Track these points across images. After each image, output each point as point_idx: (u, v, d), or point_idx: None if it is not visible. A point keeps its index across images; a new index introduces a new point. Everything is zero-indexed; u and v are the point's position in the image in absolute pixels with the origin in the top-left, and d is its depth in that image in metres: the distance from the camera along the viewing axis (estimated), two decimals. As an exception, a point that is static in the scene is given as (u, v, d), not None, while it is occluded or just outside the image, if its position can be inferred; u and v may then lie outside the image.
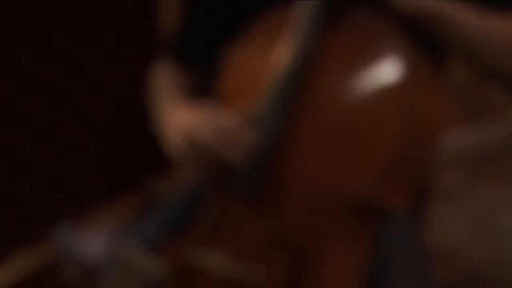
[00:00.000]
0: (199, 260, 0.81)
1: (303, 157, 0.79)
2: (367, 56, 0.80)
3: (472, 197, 2.14)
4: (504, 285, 1.72)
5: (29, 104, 1.59)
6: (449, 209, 2.07)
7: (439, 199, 2.12)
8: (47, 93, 1.63)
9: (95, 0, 1.68)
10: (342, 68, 0.82)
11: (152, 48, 1.70)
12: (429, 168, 0.85)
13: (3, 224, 1.64)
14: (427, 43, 0.82)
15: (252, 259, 0.80)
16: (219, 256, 0.80)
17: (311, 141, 0.80)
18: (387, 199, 0.78)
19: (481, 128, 2.64)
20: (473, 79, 3.18)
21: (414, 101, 0.76)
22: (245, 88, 0.85)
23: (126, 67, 1.83)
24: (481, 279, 1.75)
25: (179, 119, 0.87)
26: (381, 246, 0.87)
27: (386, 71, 0.79)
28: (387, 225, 0.87)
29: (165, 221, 1.02)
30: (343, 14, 0.83)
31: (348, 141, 0.78)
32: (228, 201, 0.81)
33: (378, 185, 0.75)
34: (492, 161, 2.36)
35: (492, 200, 2.11)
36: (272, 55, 0.84)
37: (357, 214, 0.79)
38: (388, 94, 0.77)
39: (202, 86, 1.07)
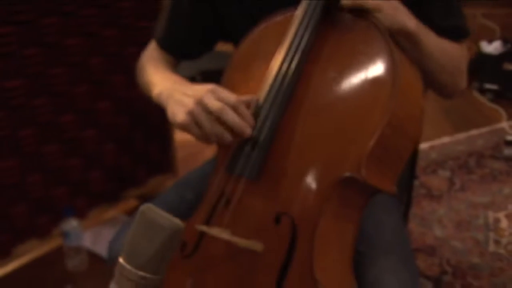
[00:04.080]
0: (208, 231, 0.83)
1: (299, 140, 0.81)
2: (356, 53, 0.83)
3: (454, 198, 2.15)
4: (484, 272, 1.73)
5: (45, 106, 1.60)
6: (435, 208, 2.08)
7: (426, 200, 2.14)
8: (63, 97, 1.64)
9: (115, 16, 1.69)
10: (335, 63, 0.83)
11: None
12: (409, 154, 0.86)
13: (16, 217, 1.66)
14: None
15: (253, 232, 0.82)
16: (224, 229, 0.82)
17: (307, 127, 0.81)
18: (377, 182, 0.80)
19: (465, 140, 2.65)
20: (463, 94, 3.19)
21: (400, 86, 0.78)
22: (252, 79, 0.87)
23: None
24: (464, 267, 1.75)
25: (190, 86, 0.86)
26: (367, 220, 0.89)
27: (374, 67, 0.81)
28: (374, 202, 0.88)
29: (173, 204, 1.04)
30: (336, 16, 0.86)
31: (341, 126, 0.80)
32: (232, 180, 0.84)
33: (365, 166, 0.77)
34: (470, 169, 2.37)
35: (471, 201, 2.12)
36: (274, 54, 0.87)
37: (347, 193, 0.81)
38: (375, 83, 0.79)
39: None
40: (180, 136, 2.21)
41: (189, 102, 0.79)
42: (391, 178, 0.84)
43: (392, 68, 0.79)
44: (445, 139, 2.64)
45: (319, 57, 0.84)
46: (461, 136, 2.68)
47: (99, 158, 1.82)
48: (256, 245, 0.80)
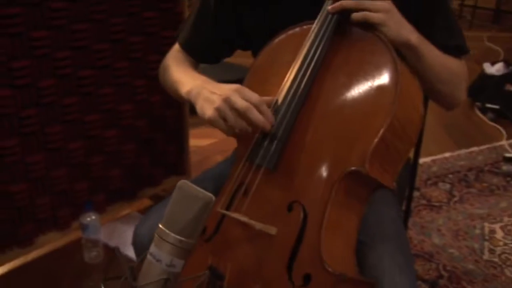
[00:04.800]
0: (228, 214, 0.93)
1: (312, 137, 0.92)
2: (364, 62, 0.94)
3: (453, 209, 2.24)
4: (478, 278, 1.81)
5: (73, 106, 1.70)
6: (434, 218, 2.17)
7: (426, 210, 2.23)
8: (90, 98, 1.74)
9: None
10: (345, 71, 0.94)
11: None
12: (408, 154, 0.96)
13: (40, 208, 1.75)
14: None
15: (268, 217, 0.91)
16: (242, 214, 0.92)
17: (319, 125, 0.92)
18: (379, 176, 0.91)
19: (465, 156, 2.75)
20: (461, 108, 3.29)
21: (402, 92, 0.89)
22: (271, 83, 0.98)
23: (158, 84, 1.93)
24: (460, 273, 1.84)
25: (217, 85, 0.95)
26: (369, 211, 0.99)
27: (379, 76, 0.92)
28: (376, 196, 0.98)
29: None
30: (346, 29, 0.96)
31: (348, 126, 0.90)
32: (252, 170, 0.94)
33: (369, 162, 0.87)
34: (469, 182, 2.46)
35: (469, 213, 2.21)
36: (291, 62, 0.98)
37: (353, 185, 0.91)
38: (381, 88, 0.90)
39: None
40: (194, 142, 2.32)
41: (217, 99, 0.90)
42: (391, 174, 0.94)
43: (395, 77, 0.89)
44: (447, 154, 2.74)
45: (331, 65, 0.95)
46: (462, 152, 2.78)
47: (119, 157, 1.92)
48: (271, 229, 0.90)
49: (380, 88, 0.90)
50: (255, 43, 1.11)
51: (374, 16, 0.93)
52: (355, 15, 0.93)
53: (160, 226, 0.67)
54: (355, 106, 0.91)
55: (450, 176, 2.51)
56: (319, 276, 0.86)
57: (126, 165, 1.95)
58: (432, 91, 1.06)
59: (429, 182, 2.45)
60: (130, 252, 1.59)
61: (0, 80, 1.51)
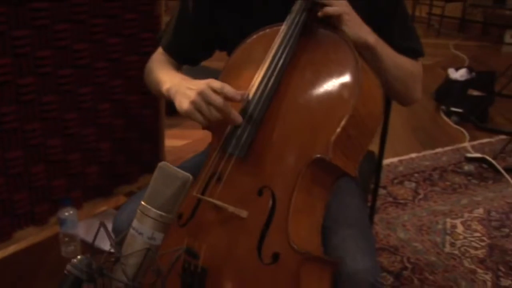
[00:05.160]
0: (204, 201, 1.01)
1: (280, 127, 1.00)
2: (328, 59, 1.02)
3: (417, 206, 2.35)
4: (439, 269, 1.92)
5: (52, 104, 1.74)
6: (399, 214, 2.27)
7: (392, 207, 2.33)
8: (69, 96, 1.79)
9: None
10: (311, 68, 1.02)
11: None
12: (368, 145, 1.05)
13: (18, 204, 1.78)
14: None
15: (239, 202, 0.99)
16: (216, 201, 1.00)
17: (287, 117, 1.00)
18: (342, 164, 0.99)
19: (430, 157, 2.87)
20: (427, 111, 3.44)
21: (362, 86, 0.97)
22: (243, 79, 1.06)
23: (137, 83, 1.99)
24: (422, 264, 1.94)
25: (193, 82, 1.02)
26: (334, 199, 1.07)
27: (342, 72, 1.00)
28: (340, 184, 1.07)
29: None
30: (313, 30, 1.05)
31: (314, 117, 0.98)
32: (224, 158, 1.02)
33: (332, 150, 0.95)
34: (433, 181, 2.58)
35: (432, 209, 2.32)
36: (262, 60, 1.05)
37: (317, 172, 0.99)
38: (343, 85, 0.98)
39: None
40: (169, 142, 2.38)
41: (192, 94, 0.98)
42: (353, 162, 1.02)
43: (355, 73, 0.98)
44: (413, 155, 2.86)
45: (298, 63, 1.03)
46: (427, 153, 2.90)
47: (97, 154, 1.97)
48: (242, 212, 0.97)
49: (342, 83, 0.99)
50: (230, 44, 1.18)
51: (344, 15, 1.01)
52: (328, 9, 1.01)
53: (142, 202, 0.74)
54: (320, 99, 1.00)
55: (416, 175, 2.63)
56: (287, 255, 0.94)
57: (103, 162, 2.00)
58: (388, 89, 1.14)
59: (395, 181, 2.56)
60: (106, 246, 1.65)
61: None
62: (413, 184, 2.53)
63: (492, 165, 2.70)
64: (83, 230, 1.99)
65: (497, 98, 3.61)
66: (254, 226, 0.97)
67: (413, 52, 1.21)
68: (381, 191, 2.44)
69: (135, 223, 0.74)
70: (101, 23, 1.80)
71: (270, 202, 0.98)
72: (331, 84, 1.00)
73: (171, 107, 2.61)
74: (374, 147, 1.66)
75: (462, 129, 3.22)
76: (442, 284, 1.83)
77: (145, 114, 2.10)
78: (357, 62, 0.99)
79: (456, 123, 3.30)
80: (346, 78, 0.99)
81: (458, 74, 3.55)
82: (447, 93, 3.49)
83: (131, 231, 0.74)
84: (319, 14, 1.02)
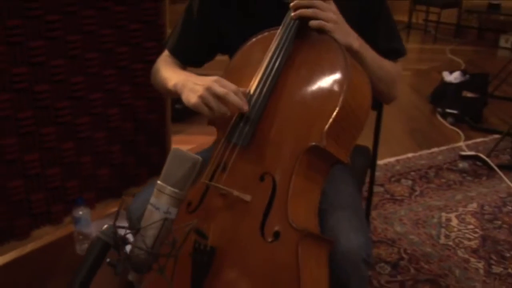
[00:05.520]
0: (212, 186, 1.11)
1: (279, 119, 1.10)
2: (321, 58, 1.13)
3: (414, 202, 2.45)
4: (434, 259, 2.02)
5: (65, 109, 1.86)
6: (396, 210, 2.37)
7: (389, 203, 2.43)
8: (81, 101, 1.90)
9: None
10: (305, 66, 1.13)
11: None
12: (359, 135, 1.16)
13: (35, 204, 1.89)
14: None
15: (243, 187, 1.09)
16: (222, 186, 1.10)
17: (285, 110, 1.11)
18: (335, 151, 1.09)
19: (426, 156, 2.97)
20: (423, 113, 3.55)
21: (351, 82, 1.08)
22: (244, 78, 1.17)
23: (143, 89, 2.11)
24: (418, 255, 2.04)
25: (199, 78, 1.13)
26: (330, 186, 1.18)
27: (333, 69, 1.11)
28: (334, 171, 1.17)
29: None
30: (306, 33, 1.16)
31: (309, 110, 1.09)
32: (229, 148, 1.12)
33: (326, 139, 1.06)
34: (429, 179, 2.68)
35: (428, 204, 2.43)
36: (263, 58, 1.16)
37: (313, 159, 1.10)
38: (334, 81, 1.09)
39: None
40: (175, 145, 2.49)
41: (200, 89, 1.09)
42: (345, 150, 1.13)
43: (345, 70, 1.09)
44: (410, 155, 2.96)
45: (294, 62, 1.14)
46: (424, 152, 3.01)
47: (108, 157, 2.08)
48: (246, 196, 1.08)
49: (333, 79, 1.10)
50: (232, 47, 1.30)
51: (327, 25, 1.13)
52: (312, 23, 1.13)
53: (159, 182, 0.85)
54: (314, 94, 1.11)
55: (412, 173, 2.73)
56: (287, 233, 1.04)
57: (114, 165, 2.12)
58: (372, 89, 1.25)
59: (392, 179, 2.66)
60: None
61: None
62: (410, 182, 2.63)
63: (486, 162, 2.80)
64: (96, 229, 2.09)
65: (491, 99, 3.72)
66: (257, 209, 1.07)
67: (397, 52, 1.32)
68: (379, 189, 2.54)
69: (152, 200, 0.85)
70: (109, 33, 1.91)
71: (271, 187, 1.08)
72: (324, 80, 1.11)
73: (175, 114, 2.73)
74: (369, 143, 1.77)
75: (457, 130, 3.33)
76: (437, 273, 1.93)
77: (152, 118, 2.21)
78: (346, 60, 1.10)
79: (451, 124, 3.41)
80: (336, 74, 1.10)
81: (453, 77, 3.66)
82: (442, 96, 3.60)
83: (149, 207, 0.85)
84: (313, 24, 1.13)
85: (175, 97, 1.23)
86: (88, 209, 1.99)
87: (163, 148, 2.31)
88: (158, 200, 0.84)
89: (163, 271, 0.86)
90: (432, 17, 6.28)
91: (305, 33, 1.17)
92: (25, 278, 1.89)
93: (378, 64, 1.23)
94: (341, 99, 1.07)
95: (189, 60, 1.40)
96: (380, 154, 2.82)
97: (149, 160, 2.24)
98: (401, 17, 6.57)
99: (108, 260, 0.79)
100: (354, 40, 1.16)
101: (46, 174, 1.90)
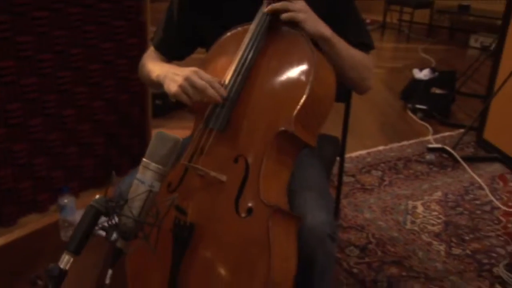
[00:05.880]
0: (191, 168, 1.22)
1: (252, 106, 1.22)
2: (290, 51, 1.25)
3: (383, 191, 2.59)
4: (400, 242, 2.15)
5: (51, 101, 1.96)
6: (366, 198, 2.51)
7: (360, 192, 2.56)
8: (67, 95, 2.00)
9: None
10: (276, 58, 1.25)
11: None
12: (324, 121, 1.27)
13: (23, 192, 1.99)
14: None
15: (219, 168, 1.20)
16: (200, 167, 1.21)
17: (257, 98, 1.22)
18: (302, 136, 1.21)
19: (396, 149, 3.12)
20: (395, 109, 3.70)
21: (317, 72, 1.20)
22: (220, 68, 1.28)
23: (128, 84, 2.20)
24: (385, 239, 2.17)
25: (180, 69, 1.24)
26: (299, 169, 1.29)
27: (301, 60, 1.23)
28: (303, 157, 1.29)
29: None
30: (277, 27, 1.28)
31: (279, 97, 1.21)
32: (206, 133, 1.23)
33: (294, 124, 1.17)
34: (398, 170, 2.83)
35: (396, 193, 2.56)
36: (237, 51, 1.28)
37: (283, 143, 1.21)
38: (301, 71, 1.21)
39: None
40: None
41: (179, 79, 1.19)
42: (312, 135, 1.25)
43: (311, 62, 1.21)
44: (380, 148, 3.10)
45: (265, 54, 1.26)
46: (394, 145, 3.15)
47: (92, 148, 2.18)
48: (222, 176, 1.19)
49: (301, 70, 1.22)
50: (208, 41, 1.41)
51: (299, 15, 1.24)
52: (284, 15, 1.24)
53: (144, 159, 0.95)
54: (283, 83, 1.22)
55: (382, 165, 2.87)
56: (259, 208, 1.15)
57: (97, 155, 2.21)
58: (344, 77, 1.37)
59: (363, 170, 2.79)
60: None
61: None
62: (380, 173, 2.77)
63: (452, 154, 2.95)
64: (78, 214, 2.18)
65: (459, 96, 3.89)
66: (232, 187, 1.18)
67: (366, 46, 1.44)
68: (350, 179, 2.68)
69: (138, 175, 0.95)
70: (93, 29, 2.01)
71: (244, 168, 1.19)
72: (292, 71, 1.23)
73: (156, 110, 2.82)
74: (340, 134, 1.90)
75: (426, 125, 3.48)
76: (402, 255, 2.06)
77: (134, 112, 2.31)
78: (313, 52, 1.22)
79: (421, 119, 3.56)
80: (304, 66, 1.22)
81: (422, 74, 3.82)
82: (413, 92, 3.75)
83: (135, 181, 0.95)
84: (285, 17, 1.25)
85: (159, 88, 1.34)
86: (73, 197, 2.08)
87: (144, 140, 2.40)
88: (144, 175, 0.95)
89: (148, 238, 0.97)
90: (406, 17, 6.46)
91: (276, 28, 1.29)
92: (12, 264, 1.97)
93: (349, 53, 1.33)
94: (308, 87, 1.19)
95: (172, 54, 1.50)
96: (352, 147, 2.99)
97: (130, 151, 2.34)
98: (376, 16, 6.74)
99: (99, 226, 0.90)
100: (325, 29, 1.27)
101: (33, 164, 1.98)
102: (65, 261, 0.86)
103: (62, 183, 2.10)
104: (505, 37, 2.90)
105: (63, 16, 1.90)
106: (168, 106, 3.27)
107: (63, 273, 0.85)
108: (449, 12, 6.18)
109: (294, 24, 1.26)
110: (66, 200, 2.04)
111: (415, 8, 6.20)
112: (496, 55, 3.02)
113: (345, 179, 2.67)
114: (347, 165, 2.82)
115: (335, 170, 1.93)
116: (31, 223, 2.09)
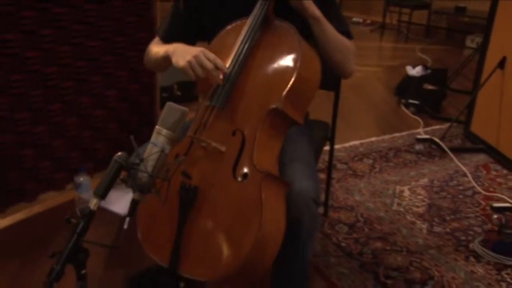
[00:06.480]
0: (195, 140, 1.43)
1: (248, 88, 1.42)
2: (281, 42, 1.46)
3: (373, 177, 2.79)
4: (386, 221, 2.35)
5: (69, 88, 2.17)
6: (357, 183, 2.71)
7: (351, 178, 2.76)
8: (84, 83, 2.21)
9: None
10: (269, 47, 1.45)
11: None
12: (311, 102, 1.48)
13: (42, 171, 2.19)
14: (307, 35, 1.50)
15: (219, 140, 1.41)
16: (203, 139, 1.42)
17: (253, 80, 1.42)
18: (291, 113, 1.42)
19: (388, 140, 3.31)
20: (389, 104, 3.88)
21: (303, 60, 1.40)
22: (221, 57, 1.48)
23: (138, 75, 2.41)
24: (373, 218, 2.36)
25: (189, 47, 1.43)
26: (289, 144, 1.50)
27: (290, 49, 1.43)
28: (294, 134, 1.49)
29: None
30: (270, 21, 1.49)
31: (271, 79, 1.41)
32: (209, 110, 1.44)
33: (283, 102, 1.38)
34: (388, 158, 3.02)
35: (385, 179, 2.76)
36: (236, 41, 1.48)
37: (274, 119, 1.41)
38: (290, 58, 1.42)
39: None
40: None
41: (188, 56, 1.39)
42: (300, 113, 1.45)
43: (298, 50, 1.41)
44: (373, 138, 3.31)
45: (260, 44, 1.47)
46: (386, 137, 3.35)
47: (105, 132, 2.39)
48: (222, 147, 1.40)
49: (290, 57, 1.42)
50: (210, 34, 1.61)
51: None
52: None
53: (157, 126, 1.16)
54: (275, 68, 1.43)
55: (374, 154, 3.07)
56: (252, 174, 1.35)
57: (110, 139, 2.42)
58: (330, 59, 1.55)
59: (355, 158, 3.00)
60: (115, 208, 2.05)
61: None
62: (371, 161, 2.97)
63: (440, 145, 3.15)
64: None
65: (451, 92, 4.09)
66: (230, 156, 1.39)
67: (347, 35, 1.63)
68: (343, 166, 2.88)
69: (152, 139, 1.16)
70: (108, 24, 2.22)
71: (241, 140, 1.40)
72: (283, 58, 1.43)
73: (162, 102, 3.04)
74: (328, 119, 2.10)
75: (418, 118, 3.68)
76: (387, 232, 2.26)
77: (143, 100, 2.52)
78: (300, 43, 1.43)
79: (413, 113, 3.75)
80: (293, 54, 1.42)
81: (415, 71, 4.02)
82: (406, 88, 3.95)
83: (150, 144, 1.16)
84: None
85: (165, 66, 1.54)
86: (88, 176, 2.28)
87: (152, 126, 2.59)
88: (157, 139, 1.16)
89: (158, 192, 1.18)
90: (405, 18, 6.66)
91: (269, 21, 1.50)
92: (32, 236, 2.18)
93: (336, 36, 1.53)
94: (296, 72, 1.39)
95: None
96: (346, 138, 3.20)
97: (140, 137, 2.52)
98: (375, 17, 6.95)
99: (121, 177, 1.10)
100: (316, 10, 1.47)
101: (52, 145, 2.19)
102: (94, 203, 1.06)
103: (78, 163, 2.31)
104: (489, 36, 3.10)
105: (81, 11, 2.11)
106: (174, 98, 3.47)
107: (92, 212, 1.05)
108: (446, 13, 6.38)
109: (290, 2, 1.46)
110: (82, 178, 2.24)
111: (414, 9, 6.40)
112: (481, 53, 3.21)
113: (338, 166, 2.88)
114: (340, 153, 3.03)
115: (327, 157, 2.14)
116: (49, 200, 2.30)
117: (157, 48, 1.61)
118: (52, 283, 1.00)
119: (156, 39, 1.73)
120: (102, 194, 1.07)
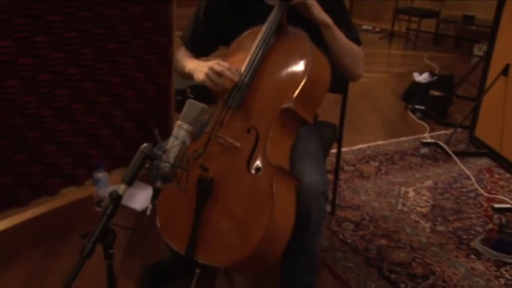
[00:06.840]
0: (212, 136, 1.54)
1: (262, 89, 1.53)
2: (293, 47, 1.57)
3: (379, 178, 2.88)
4: (391, 220, 2.44)
5: (90, 89, 2.28)
6: (363, 184, 2.80)
7: (358, 179, 2.86)
8: (103, 84, 2.32)
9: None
10: (282, 51, 1.56)
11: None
12: (320, 103, 1.58)
13: (63, 167, 2.30)
14: (318, 41, 1.61)
15: (235, 137, 1.52)
16: (220, 135, 1.52)
17: (266, 82, 1.53)
18: (301, 113, 1.52)
19: (395, 143, 3.41)
20: (396, 109, 3.97)
21: (314, 63, 1.51)
22: (238, 60, 1.60)
23: (154, 77, 2.53)
24: (378, 217, 2.46)
25: (205, 62, 1.56)
26: (298, 141, 1.60)
27: (302, 54, 1.54)
28: (304, 133, 1.60)
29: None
30: (284, 28, 1.60)
31: (284, 81, 1.52)
32: (225, 109, 1.55)
33: (294, 103, 1.48)
34: (394, 161, 3.12)
35: (391, 181, 2.86)
36: (251, 46, 1.59)
37: (286, 118, 1.52)
38: (302, 62, 1.52)
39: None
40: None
41: (205, 69, 1.52)
42: (310, 113, 1.56)
43: (310, 55, 1.52)
44: (380, 142, 3.40)
45: (274, 49, 1.58)
46: (392, 140, 3.45)
47: (122, 131, 2.50)
48: (237, 143, 1.50)
49: (302, 60, 1.53)
50: (229, 40, 1.72)
51: (307, 1, 1.54)
52: (295, 1, 1.55)
53: (178, 121, 1.27)
54: (288, 71, 1.54)
55: (380, 157, 3.16)
56: (265, 167, 1.46)
57: (127, 138, 2.53)
58: (340, 63, 1.65)
59: (362, 160, 3.09)
60: (132, 204, 2.15)
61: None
62: (377, 163, 3.07)
63: (444, 149, 3.24)
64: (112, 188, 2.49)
65: (457, 98, 4.17)
66: (245, 152, 1.49)
67: (356, 41, 1.74)
68: (350, 168, 2.98)
69: (174, 133, 1.27)
70: (126, 28, 2.34)
71: (255, 137, 1.50)
72: (295, 62, 1.54)
73: (176, 105, 3.15)
74: (336, 121, 2.20)
75: (424, 123, 3.77)
76: (391, 230, 2.35)
77: (159, 101, 2.63)
78: (311, 48, 1.54)
79: (419, 118, 3.85)
80: (304, 57, 1.53)
81: (422, 77, 4.11)
82: (413, 94, 4.05)
83: (172, 138, 1.27)
84: (293, 1, 1.55)
85: (190, 78, 1.67)
86: (107, 173, 2.40)
87: (167, 126, 2.72)
88: (178, 133, 1.27)
89: (179, 182, 1.28)
90: (413, 26, 6.75)
91: (282, 28, 1.61)
92: (53, 228, 2.29)
93: (345, 42, 1.63)
94: (307, 75, 1.50)
95: (198, 52, 1.82)
96: (354, 141, 3.30)
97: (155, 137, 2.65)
98: (385, 25, 7.04)
99: (146, 166, 1.21)
100: (327, 17, 1.58)
101: (73, 142, 2.31)
102: (122, 189, 1.17)
103: (97, 161, 2.42)
104: (494, 44, 3.19)
105: (102, 16, 2.23)
106: (187, 101, 3.59)
107: (120, 197, 1.16)
108: (454, 22, 6.46)
109: (302, 10, 1.57)
110: (100, 174, 2.36)
111: (422, 17, 6.49)
112: (486, 60, 3.31)
113: (346, 167, 2.98)
114: (348, 156, 3.13)
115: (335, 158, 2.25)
116: (69, 194, 2.41)
117: (183, 61, 1.76)
118: (84, 259, 1.10)
119: (183, 48, 1.85)
120: (129, 181, 1.18)
